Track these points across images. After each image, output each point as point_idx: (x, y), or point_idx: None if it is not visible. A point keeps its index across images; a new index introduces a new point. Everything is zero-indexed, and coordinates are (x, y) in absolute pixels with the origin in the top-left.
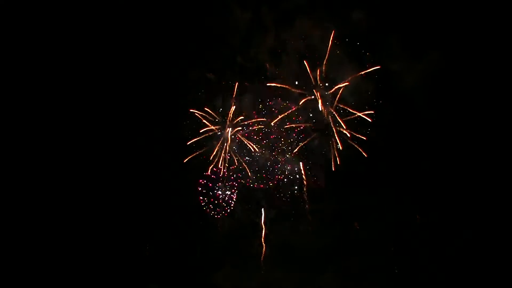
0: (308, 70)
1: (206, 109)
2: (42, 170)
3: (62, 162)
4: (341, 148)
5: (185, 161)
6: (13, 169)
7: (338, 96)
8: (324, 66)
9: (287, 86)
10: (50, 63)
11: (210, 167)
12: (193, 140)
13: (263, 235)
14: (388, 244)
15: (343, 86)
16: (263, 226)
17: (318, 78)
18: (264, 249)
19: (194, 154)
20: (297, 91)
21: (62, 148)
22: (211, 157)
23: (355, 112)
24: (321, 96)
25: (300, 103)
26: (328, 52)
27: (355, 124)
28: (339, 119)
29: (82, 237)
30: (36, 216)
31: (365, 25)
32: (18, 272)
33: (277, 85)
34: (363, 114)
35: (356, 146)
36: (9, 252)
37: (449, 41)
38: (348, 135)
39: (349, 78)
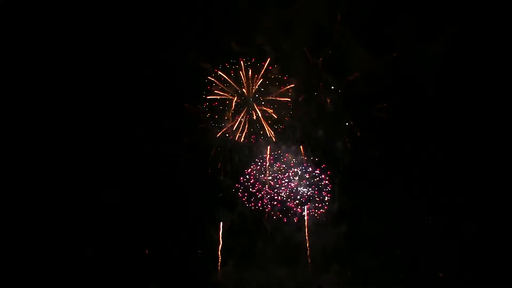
0: (310, 58)
1: (200, 106)
2: (40, 171)
3: (57, 161)
4: (349, 147)
5: (183, 159)
6: (11, 166)
7: (345, 86)
8: (329, 51)
9: (286, 77)
10: (47, 60)
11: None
12: (190, 139)
13: (267, 233)
14: (394, 243)
15: (352, 76)
16: (266, 224)
17: (320, 65)
18: (267, 248)
19: (192, 154)
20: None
21: (57, 146)
22: (210, 156)
23: (364, 106)
24: (326, 85)
25: (300, 99)
26: (334, 37)
27: (365, 118)
28: (346, 116)
29: (82, 237)
30: (36, 217)
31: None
32: (19, 272)
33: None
34: (375, 111)
35: (365, 144)
36: (10, 253)
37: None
38: (358, 134)
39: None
